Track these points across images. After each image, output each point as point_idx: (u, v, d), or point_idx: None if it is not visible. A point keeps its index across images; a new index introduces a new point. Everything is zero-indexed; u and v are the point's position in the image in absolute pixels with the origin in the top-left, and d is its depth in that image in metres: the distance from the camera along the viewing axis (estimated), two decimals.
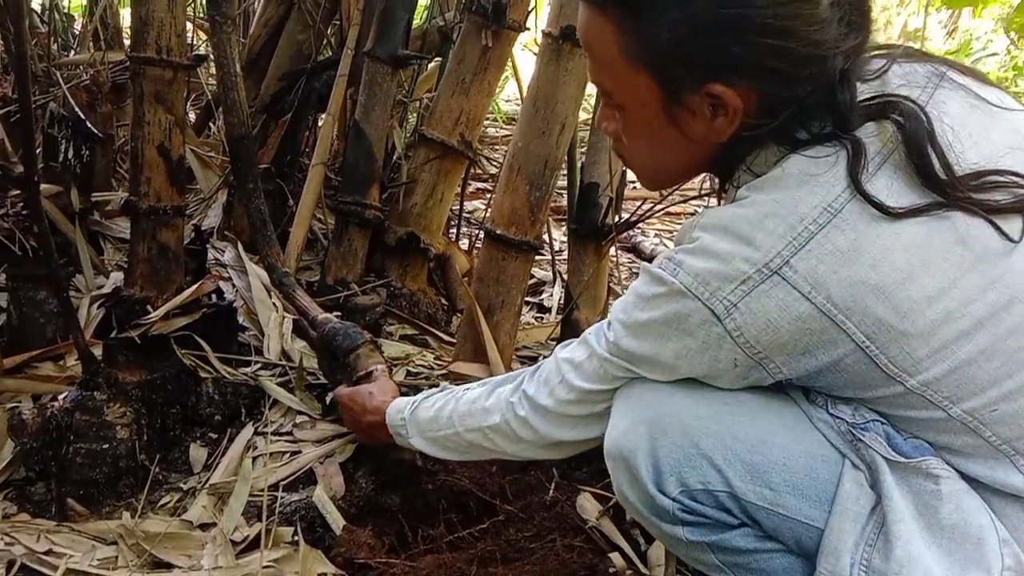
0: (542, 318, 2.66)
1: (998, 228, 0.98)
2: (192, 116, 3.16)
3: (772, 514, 1.08)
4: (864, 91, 1.02)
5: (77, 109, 2.18)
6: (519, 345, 2.21)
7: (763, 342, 1.02)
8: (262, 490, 1.61)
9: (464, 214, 2.84)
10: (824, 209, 0.98)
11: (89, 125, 2.18)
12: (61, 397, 1.65)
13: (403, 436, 1.49)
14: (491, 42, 2.18)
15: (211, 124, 3.16)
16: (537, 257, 2.23)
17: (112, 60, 2.69)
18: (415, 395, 1.52)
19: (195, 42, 3.37)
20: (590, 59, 1.11)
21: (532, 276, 2.50)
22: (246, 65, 2.56)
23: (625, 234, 2.92)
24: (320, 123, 2.65)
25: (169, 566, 1.48)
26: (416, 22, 2.49)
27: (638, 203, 2.38)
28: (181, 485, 1.67)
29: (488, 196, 3.42)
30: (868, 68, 1.04)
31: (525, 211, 1.97)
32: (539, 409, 1.28)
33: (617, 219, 2.10)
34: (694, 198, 3.07)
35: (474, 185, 3.69)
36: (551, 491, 1.65)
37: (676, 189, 2.25)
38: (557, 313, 2.61)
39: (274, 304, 2.12)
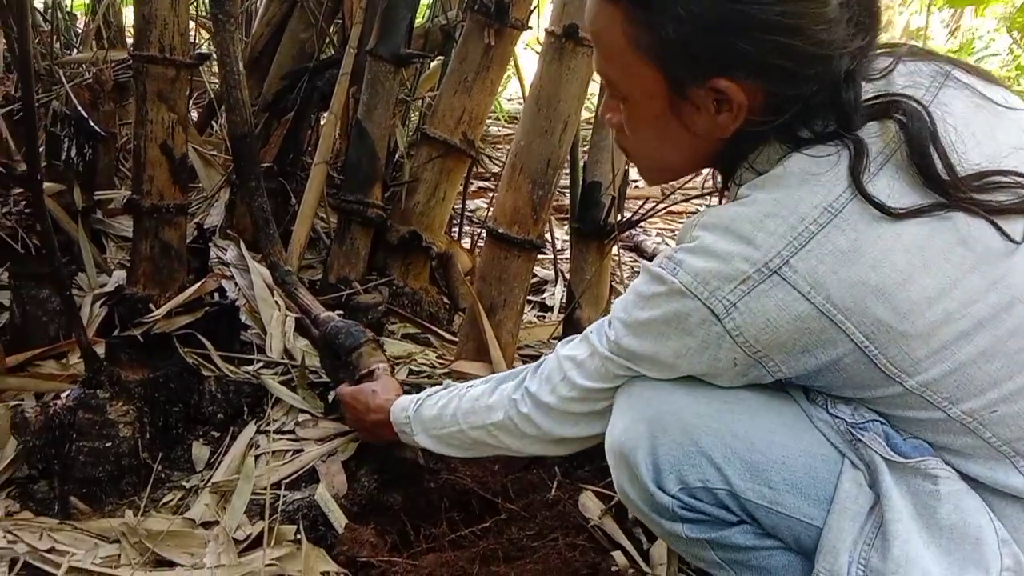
0: (544, 317, 2.66)
1: (999, 229, 0.98)
2: (195, 115, 3.16)
3: (771, 512, 1.08)
4: (869, 90, 1.02)
5: (80, 108, 2.18)
6: (521, 344, 2.21)
7: (762, 341, 1.02)
8: (264, 488, 1.61)
9: (466, 213, 2.84)
10: (825, 209, 0.98)
11: (92, 124, 2.18)
12: (64, 395, 1.65)
13: (407, 434, 1.49)
14: (493, 41, 2.18)
15: (214, 123, 3.16)
16: (539, 256, 2.23)
17: (115, 59, 2.68)
18: (419, 393, 1.53)
19: (198, 41, 3.37)
20: (597, 49, 1.11)
21: (534, 275, 2.49)
22: (249, 63, 2.56)
23: (627, 233, 2.92)
24: (322, 122, 2.65)
25: (172, 564, 1.48)
26: (418, 21, 2.49)
27: (640, 202, 2.38)
28: (184, 483, 1.67)
29: (490, 195, 3.42)
30: (874, 67, 1.04)
31: (527, 210, 1.97)
32: (541, 406, 1.28)
33: (619, 218, 2.10)
34: (696, 197, 3.08)
35: (476, 184, 3.69)
36: (553, 490, 1.65)
37: (678, 188, 2.25)
38: (559, 312, 2.61)
39: (276, 303, 2.12)
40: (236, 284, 2.24)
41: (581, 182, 2.13)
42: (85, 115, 2.17)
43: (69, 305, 1.71)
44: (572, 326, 2.10)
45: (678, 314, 1.05)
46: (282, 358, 1.97)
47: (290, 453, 1.72)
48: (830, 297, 0.98)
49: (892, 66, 1.05)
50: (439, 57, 2.77)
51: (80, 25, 3.46)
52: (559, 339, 2.10)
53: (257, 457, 1.70)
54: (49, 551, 1.47)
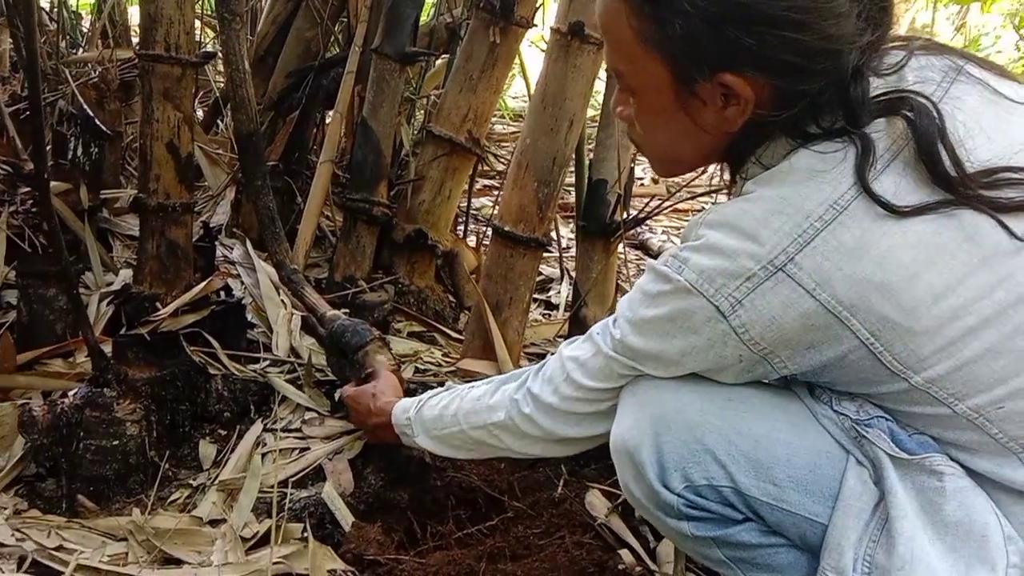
0: (550, 315, 2.66)
1: (1006, 227, 0.97)
2: (200, 113, 3.17)
3: (776, 510, 1.08)
4: (879, 86, 1.02)
5: (86, 107, 2.18)
6: (527, 342, 2.22)
7: (768, 338, 1.02)
8: (271, 486, 1.62)
9: (472, 211, 2.84)
10: (830, 206, 0.98)
11: (98, 123, 2.18)
12: (71, 394, 1.65)
13: (409, 436, 1.49)
14: (499, 39, 2.18)
15: (219, 121, 3.16)
16: (545, 254, 2.23)
17: (121, 58, 2.69)
18: (420, 394, 1.53)
19: (203, 39, 3.37)
20: (606, 43, 1.12)
21: (540, 273, 2.50)
22: (254, 62, 2.56)
23: (633, 231, 2.92)
24: (328, 120, 2.65)
25: (179, 562, 1.48)
26: (424, 19, 2.49)
27: (646, 200, 2.37)
28: (191, 481, 1.67)
29: (496, 193, 3.42)
30: (885, 62, 1.03)
31: (533, 208, 1.97)
32: (544, 407, 1.28)
33: (625, 216, 2.10)
34: (702, 194, 3.08)
35: (481, 182, 3.69)
36: (560, 488, 1.65)
37: (684, 186, 2.26)
38: (565, 310, 2.61)
39: (283, 301, 2.12)
40: (242, 283, 2.25)
41: (587, 180, 2.13)
42: (91, 114, 2.18)
43: (76, 304, 1.71)
44: (578, 324, 2.10)
45: (684, 312, 1.05)
46: (288, 356, 1.97)
47: (297, 451, 1.72)
48: (835, 294, 0.98)
49: (904, 61, 1.04)
50: (444, 55, 2.77)
51: (86, 24, 3.47)
52: (565, 337, 2.11)
53: (264, 455, 1.70)
54: (57, 549, 1.47)
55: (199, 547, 1.51)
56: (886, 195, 0.97)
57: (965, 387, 1.00)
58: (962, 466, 1.04)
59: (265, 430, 1.77)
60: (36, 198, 2.04)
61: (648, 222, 2.85)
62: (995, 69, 1.08)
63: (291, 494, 1.61)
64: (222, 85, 3.01)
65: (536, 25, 2.39)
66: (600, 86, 2.13)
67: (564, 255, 2.89)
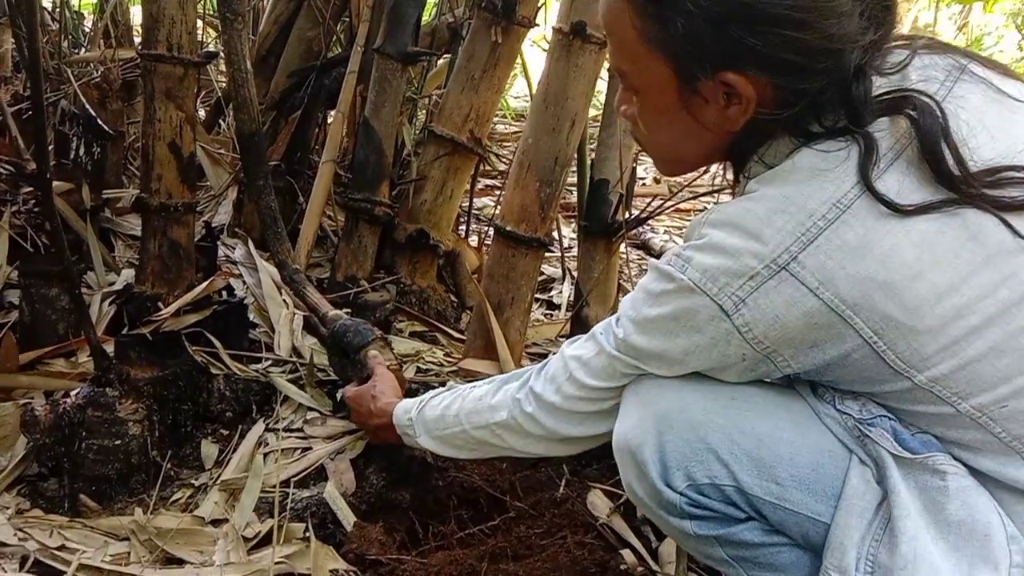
0: (552, 315, 2.66)
1: (1009, 226, 0.97)
2: (202, 113, 3.17)
3: (778, 508, 1.08)
4: (882, 85, 1.02)
5: (88, 106, 2.19)
6: (529, 342, 2.22)
7: (771, 337, 1.02)
8: (273, 486, 1.62)
9: (473, 211, 2.84)
10: (833, 205, 0.98)
11: (100, 122, 2.19)
12: (73, 393, 1.66)
13: (411, 436, 1.49)
14: (501, 38, 2.18)
15: (221, 121, 3.16)
16: (547, 254, 2.23)
17: (123, 57, 2.69)
18: (421, 394, 1.52)
19: (205, 39, 3.37)
20: (609, 42, 1.12)
21: (542, 273, 2.49)
22: (256, 62, 2.56)
23: (635, 231, 2.91)
24: (330, 120, 2.65)
25: (181, 562, 1.48)
26: (425, 19, 2.49)
27: (648, 200, 2.37)
28: (193, 481, 1.68)
29: (497, 193, 3.42)
30: (888, 61, 1.04)
31: (535, 208, 1.97)
32: (546, 406, 1.28)
33: (627, 216, 2.10)
34: (704, 194, 3.08)
35: (483, 182, 3.68)
36: (561, 488, 1.65)
37: (685, 186, 2.26)
38: (567, 310, 2.61)
39: (284, 301, 2.12)
40: (244, 282, 2.25)
41: (589, 180, 2.12)
42: (93, 114, 2.18)
43: (78, 303, 1.71)
44: (580, 324, 2.10)
45: (687, 311, 1.05)
46: (290, 356, 1.97)
47: (299, 451, 1.72)
48: (839, 293, 0.98)
49: (907, 60, 1.04)
50: (446, 55, 2.77)
51: (88, 24, 3.47)
52: (567, 337, 2.11)
53: (266, 455, 1.70)
54: (59, 549, 1.47)
55: (201, 547, 1.51)
56: (889, 194, 0.97)
57: (968, 386, 1.00)
58: (965, 465, 1.04)
59: (267, 430, 1.77)
60: (38, 198, 2.04)
61: (650, 222, 2.85)
62: (999, 68, 1.08)
63: (293, 494, 1.61)
64: (224, 85, 3.01)
65: (538, 25, 2.39)
66: (602, 86, 2.13)
67: (566, 255, 2.89)
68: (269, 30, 2.73)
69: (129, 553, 1.49)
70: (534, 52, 3.91)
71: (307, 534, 1.53)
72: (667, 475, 1.11)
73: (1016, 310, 0.98)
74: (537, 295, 2.58)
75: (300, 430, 1.78)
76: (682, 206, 3.53)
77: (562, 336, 2.32)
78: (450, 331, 2.28)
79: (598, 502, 1.62)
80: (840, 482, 1.06)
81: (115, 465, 1.61)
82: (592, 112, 2.32)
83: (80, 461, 1.60)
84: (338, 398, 1.80)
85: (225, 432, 1.79)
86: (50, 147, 2.04)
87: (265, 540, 1.52)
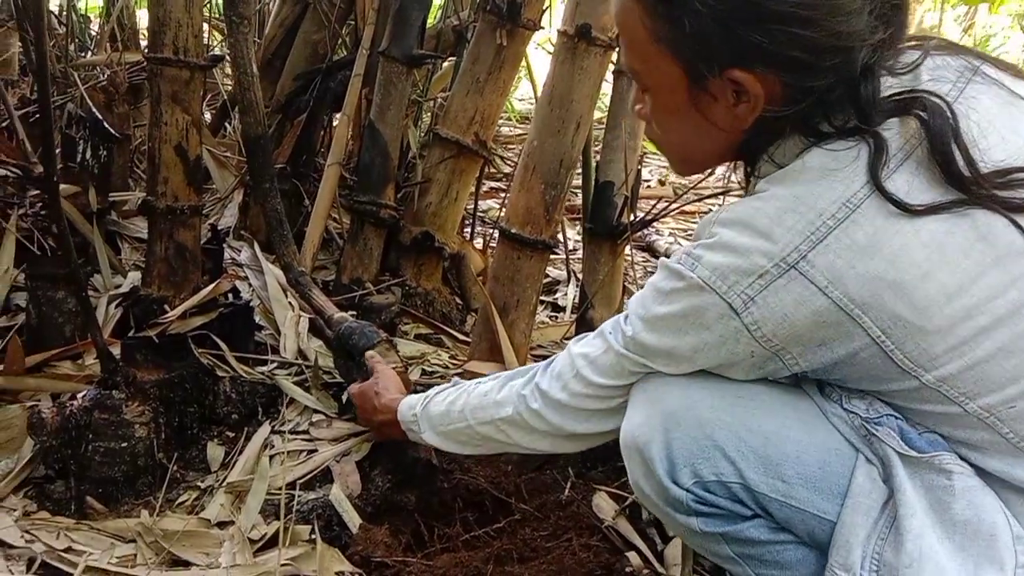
0: (557, 317, 2.66)
1: (1019, 227, 0.98)
2: (208, 116, 3.18)
3: (784, 506, 1.09)
4: (894, 85, 1.02)
5: (95, 110, 2.19)
6: (534, 344, 2.21)
7: (780, 335, 1.03)
8: (279, 488, 1.62)
9: (478, 213, 2.84)
10: (843, 204, 0.98)
11: (107, 125, 2.19)
12: (80, 396, 1.66)
13: (415, 432, 1.50)
14: (505, 41, 2.19)
15: (227, 124, 3.17)
16: (552, 256, 2.23)
17: (129, 61, 2.70)
18: (426, 391, 1.53)
19: (211, 43, 3.38)
20: (622, 42, 1.14)
21: (547, 275, 2.50)
22: (262, 65, 2.57)
23: (640, 233, 2.91)
24: (335, 123, 2.65)
25: (187, 564, 1.49)
26: (431, 21, 2.49)
27: (653, 202, 2.37)
28: (199, 483, 1.68)
29: (502, 195, 3.42)
30: (900, 61, 1.04)
31: (540, 210, 1.97)
32: (552, 403, 1.28)
33: (632, 218, 2.10)
34: (709, 197, 3.07)
35: (488, 184, 3.68)
36: (567, 490, 1.65)
37: (691, 188, 2.25)
38: (572, 312, 2.60)
39: (290, 303, 2.13)
40: (250, 285, 2.25)
41: (594, 182, 2.12)
42: (100, 117, 2.18)
43: (85, 306, 1.72)
44: (585, 326, 2.09)
45: (696, 309, 1.06)
46: (296, 359, 1.97)
47: (304, 453, 1.72)
48: (847, 292, 0.98)
49: (919, 60, 1.04)
50: (451, 58, 2.77)
51: (94, 27, 3.48)
52: (572, 339, 2.11)
53: (272, 457, 1.70)
54: (66, 551, 1.47)
55: (207, 549, 1.51)
56: (899, 194, 0.97)
57: (976, 386, 1.00)
58: (972, 465, 1.04)
59: (273, 432, 1.77)
60: (45, 201, 2.05)
61: (655, 224, 2.85)
62: (1011, 70, 1.09)
63: (299, 496, 1.61)
64: (230, 88, 3.02)
65: (543, 27, 2.39)
66: (607, 88, 2.13)
67: (571, 257, 2.89)
68: (275, 33, 2.74)
69: (135, 555, 1.49)
70: (539, 55, 3.91)
71: (313, 536, 1.53)
72: (674, 472, 1.11)
73: None
74: (542, 297, 2.58)
75: (306, 432, 1.78)
76: (687, 208, 3.53)
77: (567, 338, 2.32)
78: (455, 333, 2.28)
79: (604, 504, 1.62)
80: (846, 480, 1.06)
81: (121, 467, 1.62)
82: (597, 114, 2.32)
83: (87, 463, 1.60)
84: (343, 400, 1.81)
85: (231, 434, 1.79)
86: (57, 150, 2.04)
87: (271, 542, 1.52)
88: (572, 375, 1.25)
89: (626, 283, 2.26)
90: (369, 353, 1.71)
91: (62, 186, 1.98)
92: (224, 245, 2.33)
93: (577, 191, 2.65)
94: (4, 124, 2.15)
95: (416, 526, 1.58)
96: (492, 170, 3.65)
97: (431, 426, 1.47)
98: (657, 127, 1.17)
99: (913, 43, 1.06)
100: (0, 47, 2.75)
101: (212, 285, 1.96)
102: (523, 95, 5.57)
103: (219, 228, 2.45)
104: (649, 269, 3.03)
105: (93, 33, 3.38)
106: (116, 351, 1.73)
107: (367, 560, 1.47)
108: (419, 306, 2.33)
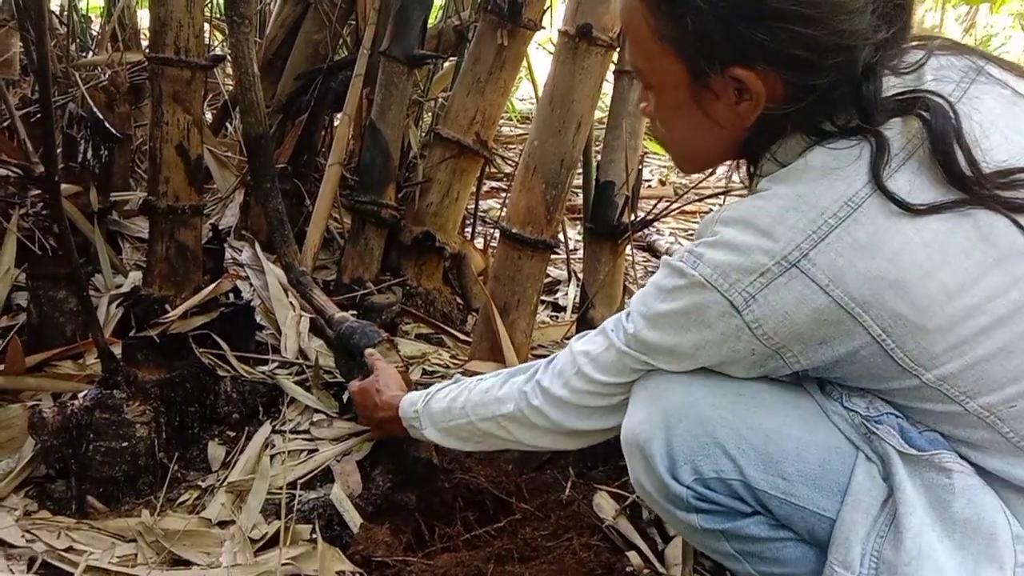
0: (557, 317, 2.66)
1: (1021, 227, 0.98)
2: (210, 116, 3.18)
3: (784, 503, 1.09)
4: (897, 85, 1.02)
5: (96, 110, 2.19)
6: (535, 344, 2.22)
7: (781, 333, 1.03)
8: (280, 488, 1.62)
9: (479, 213, 2.85)
10: (845, 203, 0.98)
11: (108, 125, 2.19)
12: (81, 395, 1.66)
13: (417, 428, 1.50)
14: (506, 41, 2.19)
15: (228, 124, 3.17)
16: (552, 256, 2.23)
17: (130, 61, 2.71)
18: (429, 388, 1.53)
19: (212, 43, 3.38)
20: (627, 40, 1.15)
21: (547, 275, 2.50)
22: (263, 65, 2.57)
23: (640, 233, 2.91)
24: (336, 123, 2.66)
25: (188, 563, 1.49)
26: (431, 21, 2.49)
27: (654, 202, 2.37)
28: (200, 483, 1.68)
29: (503, 195, 3.42)
30: (904, 61, 1.04)
31: (541, 210, 1.97)
32: (553, 399, 1.29)
33: (633, 218, 2.10)
34: (709, 197, 3.07)
35: (489, 184, 3.69)
36: (567, 490, 1.65)
37: (691, 188, 2.25)
38: (572, 312, 2.61)
39: (291, 303, 2.13)
40: (251, 285, 2.25)
41: (594, 182, 2.12)
42: (101, 117, 2.18)
43: (86, 306, 1.72)
44: (585, 326, 2.09)
45: (698, 306, 1.06)
46: (297, 358, 1.98)
47: (305, 453, 1.73)
48: (848, 290, 0.98)
49: (923, 60, 1.05)
50: (452, 58, 2.77)
51: (96, 27, 3.48)
52: (574, 337, 2.11)
53: (272, 457, 1.70)
54: (67, 550, 1.48)
55: (208, 548, 1.52)
56: (900, 193, 0.97)
57: (977, 385, 1.00)
58: (972, 464, 1.05)
59: (274, 432, 1.77)
60: (46, 201, 2.05)
61: (656, 224, 2.85)
62: (1016, 70, 1.09)
63: (300, 496, 1.61)
64: (231, 88, 3.02)
65: (544, 27, 2.39)
66: (608, 88, 2.13)
67: (571, 257, 2.89)
68: (276, 33, 2.74)
69: (136, 554, 1.49)
70: (540, 55, 3.91)
71: (314, 535, 1.53)
72: (674, 469, 1.12)
73: None
74: (543, 297, 2.57)
75: (307, 432, 1.79)
76: (688, 208, 3.53)
77: (567, 338, 2.32)
78: (456, 333, 2.28)
79: (604, 504, 1.62)
80: (846, 478, 1.07)
81: (122, 467, 1.62)
82: (598, 114, 2.32)
83: (87, 463, 1.60)
84: (344, 399, 1.81)
85: (232, 434, 1.79)
86: (58, 150, 2.04)
87: (272, 542, 1.53)
88: (573, 372, 1.26)
89: (627, 283, 2.26)
90: (369, 351, 1.72)
91: (63, 186, 1.98)
92: (225, 245, 2.33)
93: (578, 191, 2.65)
94: (5, 124, 2.16)
95: (417, 525, 1.58)
96: (493, 170, 3.66)
97: (432, 422, 1.47)
98: (661, 125, 1.18)
99: (917, 43, 1.07)
100: (1, 47, 2.75)
101: (213, 285, 1.96)
102: (524, 95, 5.57)
103: (220, 228, 2.45)
104: (650, 269, 3.03)
105: (94, 33, 3.38)
106: (117, 351, 1.73)
107: (368, 559, 1.47)
108: (420, 306, 2.33)
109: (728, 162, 1.23)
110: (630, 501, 1.62)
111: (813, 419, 1.10)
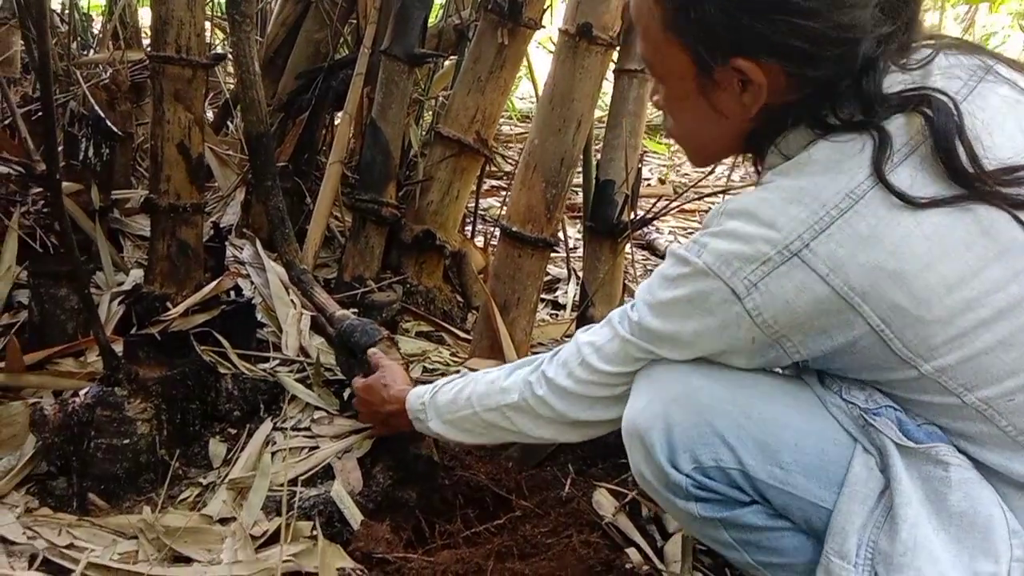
0: (557, 315, 2.66)
1: (1022, 223, 0.98)
2: (210, 115, 3.18)
3: (782, 493, 1.10)
4: (904, 81, 1.04)
5: (97, 108, 2.20)
6: (534, 342, 2.22)
7: (781, 322, 1.04)
8: (281, 485, 1.62)
9: (479, 211, 2.85)
10: (847, 195, 1.00)
11: (109, 124, 2.20)
12: (82, 393, 1.66)
13: (422, 421, 1.51)
14: (507, 40, 2.19)
15: (229, 122, 3.18)
16: (552, 254, 2.23)
17: (131, 59, 2.71)
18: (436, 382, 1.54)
19: (213, 41, 3.39)
20: (637, 33, 1.16)
21: (547, 273, 2.50)
22: (264, 64, 2.57)
23: (640, 231, 2.92)
24: (337, 121, 2.66)
25: (189, 560, 1.49)
26: (432, 20, 2.50)
27: (653, 200, 2.38)
28: (201, 480, 1.68)
29: (503, 194, 3.43)
30: (912, 57, 1.05)
31: (541, 208, 1.97)
32: (558, 389, 1.30)
33: (632, 216, 2.10)
34: (709, 195, 3.08)
35: (489, 183, 3.69)
36: (567, 487, 1.65)
37: (691, 187, 2.26)
38: (572, 310, 2.61)
39: (292, 301, 2.13)
40: (252, 283, 2.26)
41: (594, 180, 2.13)
42: (102, 115, 2.19)
43: (87, 303, 1.72)
44: (585, 324, 2.09)
45: (701, 293, 1.07)
46: (298, 356, 1.98)
47: (306, 450, 1.73)
48: (848, 280, 1.00)
49: (931, 57, 1.06)
50: (452, 56, 2.78)
51: (97, 26, 3.48)
52: (571, 337, 2.11)
53: (273, 454, 1.71)
54: (68, 547, 1.48)
55: (209, 545, 1.52)
56: (902, 187, 0.98)
57: (975, 378, 1.01)
58: (970, 458, 1.06)
59: (275, 429, 1.78)
60: (48, 199, 2.06)
61: (655, 222, 2.86)
62: None
63: (300, 492, 1.62)
64: (232, 86, 3.03)
65: (544, 26, 2.39)
66: (608, 87, 2.14)
67: (571, 255, 2.90)
68: (277, 32, 2.75)
69: (137, 551, 1.49)
70: (540, 54, 3.92)
71: (314, 532, 1.54)
72: (674, 458, 1.13)
73: None
74: (543, 295, 2.58)
75: (307, 429, 1.79)
76: (687, 207, 3.53)
77: (567, 336, 2.32)
78: (456, 331, 2.29)
79: (604, 501, 1.62)
80: (844, 469, 1.08)
81: (123, 464, 1.62)
82: (598, 113, 2.33)
83: (89, 460, 1.61)
84: (345, 397, 1.81)
85: (233, 431, 1.80)
86: (59, 148, 2.05)
87: (273, 538, 1.53)
88: (578, 362, 1.27)
89: (626, 281, 2.26)
90: (372, 350, 1.72)
91: (64, 184, 1.98)
92: (226, 243, 2.34)
93: (578, 189, 2.66)
94: (7, 122, 2.16)
95: (417, 522, 1.59)
96: (493, 168, 3.66)
97: (438, 414, 1.48)
98: (669, 116, 1.20)
99: (927, 41, 1.08)
100: (3, 45, 2.76)
101: (214, 283, 1.96)
102: (524, 94, 5.58)
103: (221, 226, 2.46)
104: (649, 267, 3.04)
105: (95, 31, 3.38)
106: (118, 348, 1.74)
107: (368, 556, 1.47)
108: (420, 304, 2.33)
109: (730, 159, 1.24)
110: (630, 498, 1.62)
111: (812, 410, 1.11)
